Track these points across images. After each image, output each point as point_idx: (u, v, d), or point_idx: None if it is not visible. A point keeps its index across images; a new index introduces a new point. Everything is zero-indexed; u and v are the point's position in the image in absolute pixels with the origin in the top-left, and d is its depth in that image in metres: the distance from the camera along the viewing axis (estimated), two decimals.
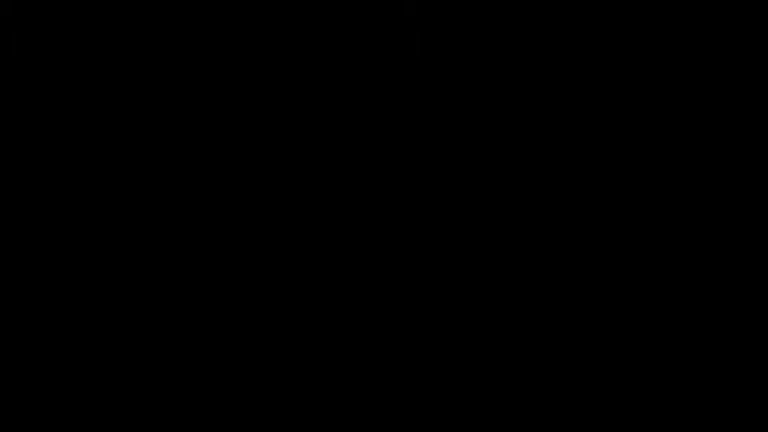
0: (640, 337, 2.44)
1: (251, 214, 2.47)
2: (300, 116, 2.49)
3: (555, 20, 2.49)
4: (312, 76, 2.49)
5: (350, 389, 2.43)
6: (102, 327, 2.43)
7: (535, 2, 2.49)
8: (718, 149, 2.48)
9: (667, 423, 2.41)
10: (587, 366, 2.44)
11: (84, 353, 2.42)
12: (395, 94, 2.49)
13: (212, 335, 2.44)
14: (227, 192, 2.47)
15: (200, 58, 2.48)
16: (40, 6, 2.45)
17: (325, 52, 2.49)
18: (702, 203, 2.47)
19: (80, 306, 2.43)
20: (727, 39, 2.50)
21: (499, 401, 2.42)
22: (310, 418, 2.42)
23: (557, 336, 2.45)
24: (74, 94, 2.47)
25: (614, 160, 2.49)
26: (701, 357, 2.43)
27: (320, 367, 2.44)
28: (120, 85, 2.47)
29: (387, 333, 2.45)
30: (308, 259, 2.47)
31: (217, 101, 2.48)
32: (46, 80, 2.46)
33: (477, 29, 2.49)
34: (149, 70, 2.48)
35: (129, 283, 2.44)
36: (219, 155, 2.48)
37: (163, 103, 2.47)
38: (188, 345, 2.44)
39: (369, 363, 2.44)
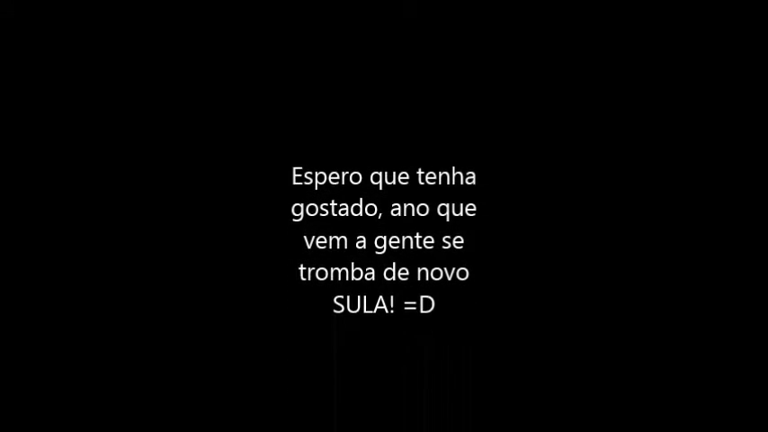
0: (639, 335, 2.45)
1: (249, 213, 2.48)
2: (300, 116, 2.50)
3: (554, 21, 2.50)
4: (312, 76, 2.50)
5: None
6: (100, 325, 2.44)
7: (533, 3, 2.50)
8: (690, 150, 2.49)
9: (666, 422, 2.42)
10: (585, 366, 2.44)
11: (83, 351, 2.43)
12: (395, 94, 2.50)
13: (211, 334, 2.45)
14: (227, 190, 2.48)
15: (199, 58, 2.48)
16: (40, 6, 2.46)
17: (324, 52, 2.50)
18: (693, 201, 2.48)
19: (78, 304, 2.44)
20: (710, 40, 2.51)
21: (498, 400, 2.43)
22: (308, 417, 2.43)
23: (555, 334, 2.45)
24: (73, 93, 2.48)
25: (607, 164, 2.50)
26: (693, 356, 2.44)
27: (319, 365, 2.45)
28: (120, 85, 2.48)
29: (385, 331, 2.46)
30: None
31: (216, 100, 2.49)
32: (46, 80, 2.47)
33: (476, 29, 2.50)
34: (149, 70, 2.48)
35: (127, 282, 2.45)
36: (218, 154, 2.49)
37: (162, 102, 2.48)
38: (187, 344, 2.44)
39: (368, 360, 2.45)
